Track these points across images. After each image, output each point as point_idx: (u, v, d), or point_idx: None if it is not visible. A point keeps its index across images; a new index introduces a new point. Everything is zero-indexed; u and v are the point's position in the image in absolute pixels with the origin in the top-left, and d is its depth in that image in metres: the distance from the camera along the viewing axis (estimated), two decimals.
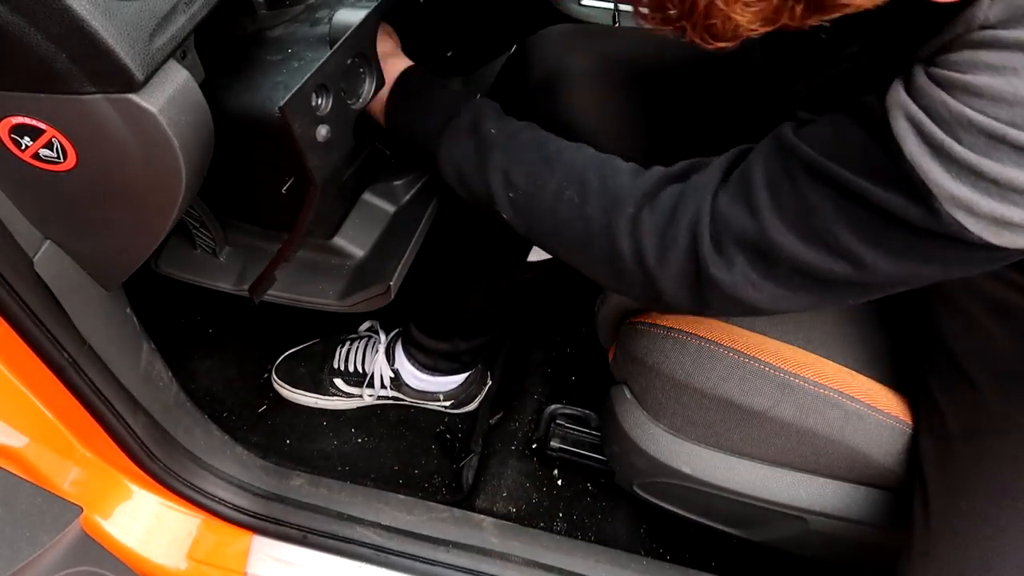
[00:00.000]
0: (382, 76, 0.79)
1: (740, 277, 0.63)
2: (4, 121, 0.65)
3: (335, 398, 1.28)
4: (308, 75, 0.68)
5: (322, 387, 1.27)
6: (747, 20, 0.50)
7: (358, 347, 1.26)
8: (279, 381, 1.29)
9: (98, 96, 0.62)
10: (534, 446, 1.25)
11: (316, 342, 1.30)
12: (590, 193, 0.69)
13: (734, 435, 0.85)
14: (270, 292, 0.92)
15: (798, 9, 0.49)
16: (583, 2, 1.30)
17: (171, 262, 1.02)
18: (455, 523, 1.05)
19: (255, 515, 1.02)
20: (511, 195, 0.72)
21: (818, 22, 0.51)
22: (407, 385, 1.24)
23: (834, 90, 0.64)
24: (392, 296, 0.90)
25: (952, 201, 0.52)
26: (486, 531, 1.05)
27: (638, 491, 1.01)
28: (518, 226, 0.74)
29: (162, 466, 0.96)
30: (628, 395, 0.92)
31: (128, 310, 0.91)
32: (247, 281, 0.97)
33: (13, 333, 0.77)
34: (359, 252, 0.98)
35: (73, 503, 0.74)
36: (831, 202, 0.58)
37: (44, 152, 0.67)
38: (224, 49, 0.87)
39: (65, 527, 0.70)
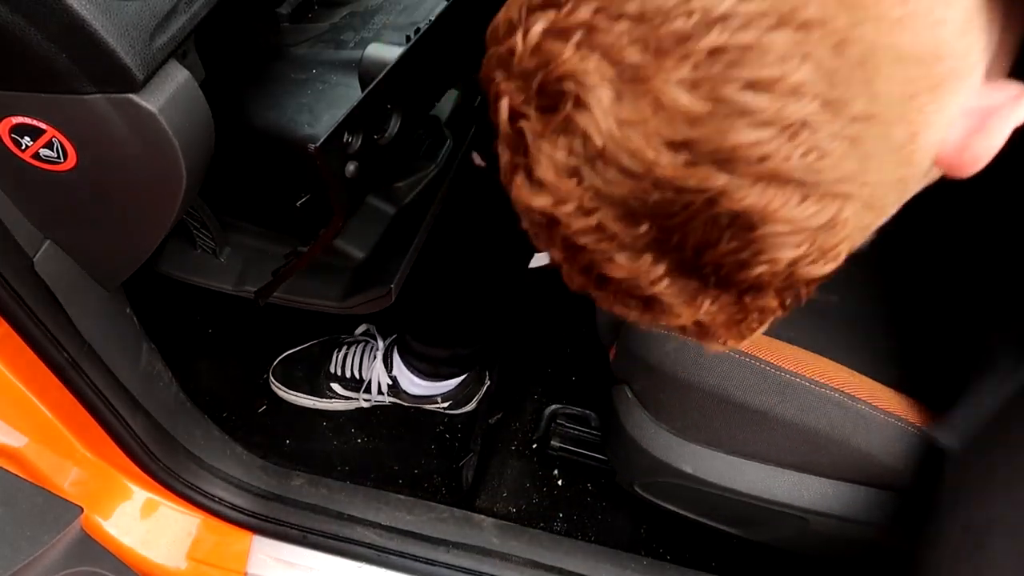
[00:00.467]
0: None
1: None
2: (4, 121, 0.65)
3: (332, 401, 1.27)
4: (343, 115, 0.69)
5: (319, 390, 1.27)
6: None
7: (355, 352, 1.26)
8: (276, 383, 1.29)
9: (98, 96, 0.61)
10: (534, 446, 1.25)
11: (313, 344, 1.30)
12: None
13: (736, 435, 0.85)
14: None
15: None
16: None
17: (171, 262, 1.02)
18: (455, 523, 1.05)
19: (255, 515, 1.02)
20: None
21: None
22: (405, 392, 1.24)
23: None
24: (393, 298, 0.90)
25: None
26: (486, 531, 1.05)
27: (639, 491, 1.01)
28: None
29: (162, 466, 0.96)
30: (629, 395, 0.92)
31: (128, 310, 0.91)
32: (247, 281, 0.97)
33: (13, 333, 0.77)
34: (360, 254, 0.98)
35: (74, 503, 0.74)
36: None
37: (44, 152, 0.67)
38: (246, 59, 0.87)
39: (66, 527, 0.70)
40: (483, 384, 1.29)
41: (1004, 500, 0.66)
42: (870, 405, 0.79)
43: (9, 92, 0.63)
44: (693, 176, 0.33)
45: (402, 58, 0.74)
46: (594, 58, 0.33)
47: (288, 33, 0.92)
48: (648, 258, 0.37)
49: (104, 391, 0.86)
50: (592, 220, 0.36)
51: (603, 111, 0.33)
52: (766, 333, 0.83)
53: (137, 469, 0.94)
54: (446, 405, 1.27)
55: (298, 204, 0.81)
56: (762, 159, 0.32)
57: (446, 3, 0.83)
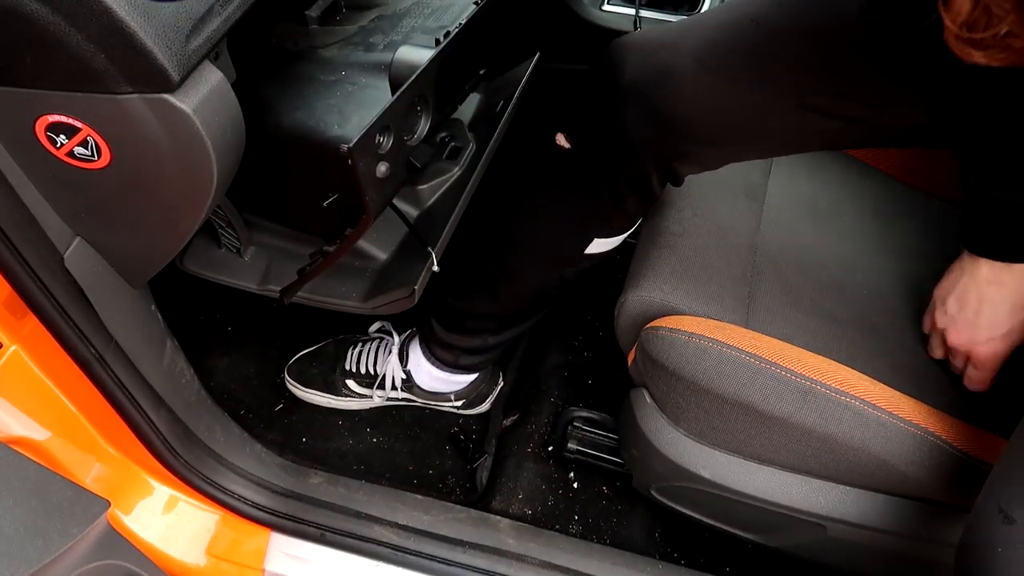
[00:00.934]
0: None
1: None
2: (40, 119, 0.66)
3: (347, 399, 1.28)
4: (375, 117, 0.70)
5: (334, 388, 1.28)
6: None
7: (370, 349, 1.26)
8: (292, 381, 1.29)
9: (134, 96, 0.62)
10: (550, 448, 1.25)
11: (329, 343, 1.31)
12: None
13: (754, 440, 0.85)
14: None
15: None
16: (605, 8, 1.31)
17: (196, 260, 1.03)
18: (472, 524, 1.06)
19: (273, 512, 1.02)
20: None
21: None
22: (419, 386, 1.24)
23: None
24: (415, 300, 0.91)
25: None
26: (503, 532, 1.05)
27: (655, 495, 1.01)
28: None
29: (183, 462, 0.96)
30: (648, 399, 0.92)
31: (153, 307, 0.92)
32: (271, 280, 0.98)
33: (41, 327, 0.78)
34: (382, 255, 0.99)
35: (100, 497, 0.75)
36: None
37: (79, 150, 0.68)
38: (276, 61, 0.88)
39: (94, 520, 0.71)
40: (497, 384, 1.29)
41: None
42: (889, 413, 0.79)
43: (46, 91, 0.64)
44: None
45: (433, 60, 0.75)
46: None
47: (317, 35, 0.93)
48: None
49: (129, 387, 0.87)
50: None
51: None
52: (788, 340, 0.83)
53: (158, 465, 0.95)
54: (459, 404, 1.27)
55: (325, 204, 0.82)
56: None
57: (475, 7, 0.84)
